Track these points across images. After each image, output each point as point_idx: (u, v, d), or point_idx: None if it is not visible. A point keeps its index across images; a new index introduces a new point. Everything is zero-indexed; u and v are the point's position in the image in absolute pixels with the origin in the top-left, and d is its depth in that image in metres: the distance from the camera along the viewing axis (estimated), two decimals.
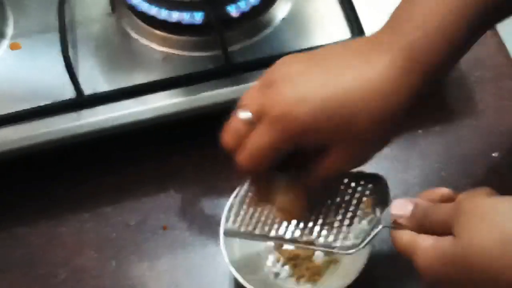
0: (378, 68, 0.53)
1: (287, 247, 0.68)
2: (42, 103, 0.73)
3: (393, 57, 0.53)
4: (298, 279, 0.67)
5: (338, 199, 0.59)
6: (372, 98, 0.52)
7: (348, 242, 0.57)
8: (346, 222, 0.58)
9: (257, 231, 0.60)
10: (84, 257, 0.72)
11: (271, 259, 0.69)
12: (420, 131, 0.77)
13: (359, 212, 0.58)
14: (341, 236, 0.57)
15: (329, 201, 0.59)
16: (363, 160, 0.56)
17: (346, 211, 0.59)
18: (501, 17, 0.59)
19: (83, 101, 0.73)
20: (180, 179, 0.76)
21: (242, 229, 0.60)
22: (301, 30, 0.78)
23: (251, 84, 0.73)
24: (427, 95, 0.55)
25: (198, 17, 0.76)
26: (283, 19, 0.79)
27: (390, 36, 0.54)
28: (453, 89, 0.80)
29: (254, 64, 0.74)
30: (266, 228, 0.60)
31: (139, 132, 0.74)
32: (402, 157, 0.76)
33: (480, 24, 0.56)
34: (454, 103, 0.79)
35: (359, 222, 0.58)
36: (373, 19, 0.77)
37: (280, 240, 0.60)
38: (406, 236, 0.54)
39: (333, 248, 0.57)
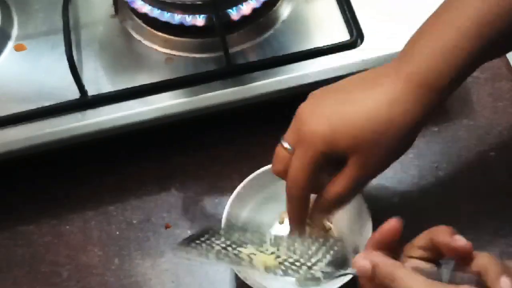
0: (388, 92, 0.58)
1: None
2: (46, 104, 0.73)
3: (402, 83, 0.58)
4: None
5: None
6: (378, 118, 0.58)
7: (309, 275, 0.59)
8: (313, 260, 0.60)
9: (223, 251, 0.59)
10: (87, 255, 0.72)
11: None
12: None
13: (328, 257, 0.60)
14: (303, 269, 0.60)
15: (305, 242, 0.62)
16: (376, 167, 0.61)
17: (317, 252, 0.61)
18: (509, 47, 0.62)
19: (87, 102, 0.74)
20: (182, 178, 0.77)
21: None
22: (301, 32, 0.79)
23: (252, 85, 0.74)
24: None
25: (200, 19, 0.76)
26: (283, 21, 0.80)
27: (398, 64, 0.59)
28: None
29: (255, 65, 0.75)
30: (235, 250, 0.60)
31: (142, 132, 0.74)
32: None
33: (485, 55, 0.59)
34: (451, 104, 0.79)
35: (327, 263, 0.59)
36: (371, 21, 0.77)
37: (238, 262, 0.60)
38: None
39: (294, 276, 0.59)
